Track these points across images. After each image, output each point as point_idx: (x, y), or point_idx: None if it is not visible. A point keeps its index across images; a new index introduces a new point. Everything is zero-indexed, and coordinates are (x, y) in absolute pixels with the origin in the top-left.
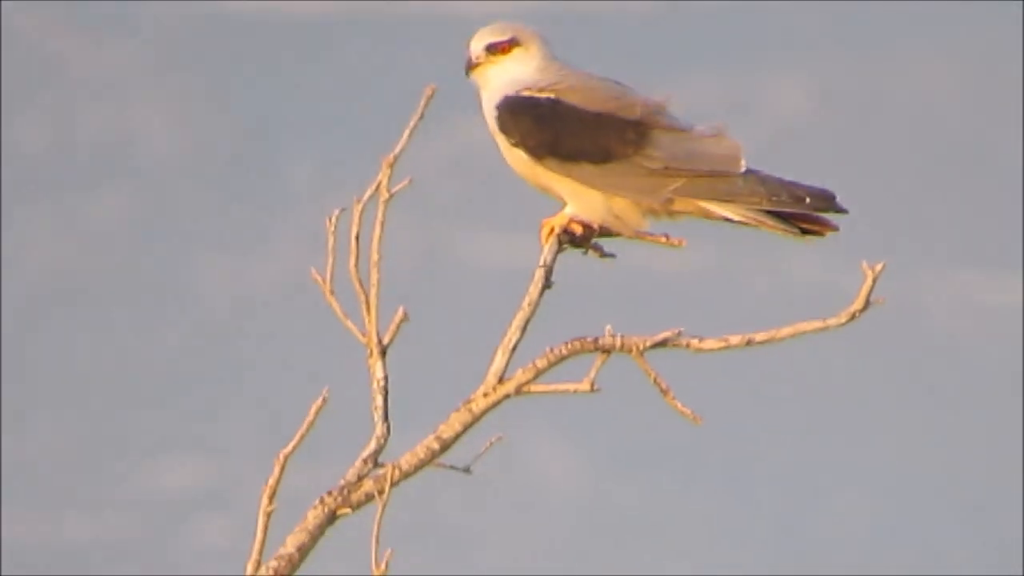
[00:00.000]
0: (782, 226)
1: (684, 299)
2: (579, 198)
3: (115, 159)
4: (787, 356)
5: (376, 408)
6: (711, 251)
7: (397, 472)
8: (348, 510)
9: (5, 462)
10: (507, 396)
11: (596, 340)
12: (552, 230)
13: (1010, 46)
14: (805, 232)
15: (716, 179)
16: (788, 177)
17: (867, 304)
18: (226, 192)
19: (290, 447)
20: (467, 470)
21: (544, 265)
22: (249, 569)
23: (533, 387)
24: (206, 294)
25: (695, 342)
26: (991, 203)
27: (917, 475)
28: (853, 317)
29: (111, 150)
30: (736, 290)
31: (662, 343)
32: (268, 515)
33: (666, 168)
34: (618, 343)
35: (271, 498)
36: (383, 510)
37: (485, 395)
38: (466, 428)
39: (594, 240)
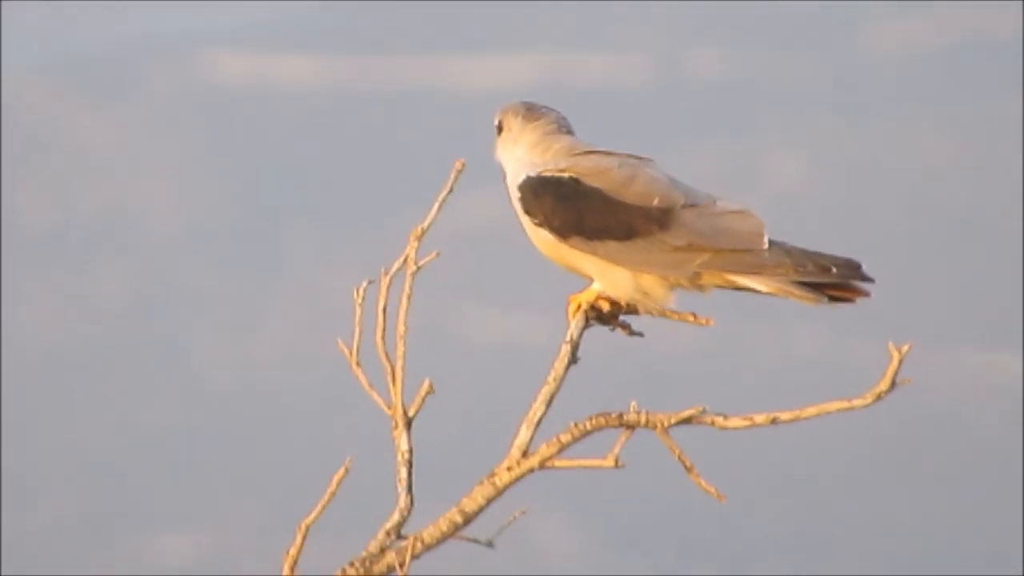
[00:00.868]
0: (811, 295)
1: (707, 375)
2: (606, 275)
3: (116, 232)
4: (799, 431)
5: (400, 480)
6: (721, 326)
7: (419, 545)
8: None
9: (6, 533)
10: (531, 470)
11: (621, 415)
12: (579, 306)
13: (1007, 117)
14: (833, 299)
15: (742, 253)
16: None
17: (893, 385)
18: (228, 264)
19: (312, 516)
20: (490, 544)
21: (570, 340)
22: None
23: (557, 461)
24: (211, 367)
25: (720, 420)
26: (989, 277)
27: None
28: (879, 397)
29: (112, 223)
30: (746, 364)
31: (686, 420)
32: None
33: (690, 244)
34: (643, 419)
35: (292, 567)
36: None
37: (509, 469)
38: (489, 502)
39: (621, 317)
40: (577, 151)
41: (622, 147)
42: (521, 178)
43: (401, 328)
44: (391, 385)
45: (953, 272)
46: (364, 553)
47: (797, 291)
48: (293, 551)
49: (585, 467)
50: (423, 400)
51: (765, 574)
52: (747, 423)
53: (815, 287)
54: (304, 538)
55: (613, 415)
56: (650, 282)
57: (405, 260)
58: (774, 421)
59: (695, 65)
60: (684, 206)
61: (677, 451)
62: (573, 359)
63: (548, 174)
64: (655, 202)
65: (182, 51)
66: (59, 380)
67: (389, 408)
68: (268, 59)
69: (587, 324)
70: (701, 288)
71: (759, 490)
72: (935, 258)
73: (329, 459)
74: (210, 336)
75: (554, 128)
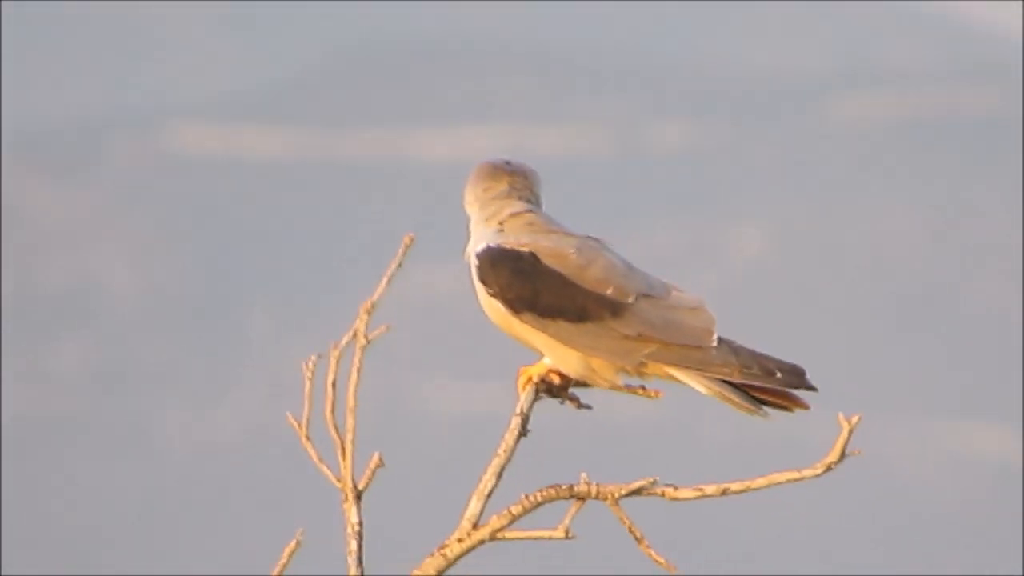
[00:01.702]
0: (748, 404)
1: (657, 446)
2: (555, 352)
3: (76, 306)
4: (756, 501)
5: (350, 552)
6: (671, 399)
7: None
8: None
9: None
10: (482, 542)
11: (571, 487)
12: (530, 379)
13: (966, 191)
14: (773, 407)
15: (690, 348)
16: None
17: (843, 456)
18: (187, 337)
19: None
20: None
21: (521, 413)
22: None
23: (507, 533)
24: (169, 441)
25: (670, 491)
26: (951, 350)
27: None
28: (829, 468)
29: (73, 297)
30: (697, 436)
31: (637, 491)
32: None
33: (640, 335)
34: (593, 490)
35: None
36: None
37: (459, 540)
38: (440, 573)
39: (571, 390)
40: (537, 228)
41: (584, 217)
42: (480, 247)
43: (351, 402)
44: (341, 459)
45: (910, 343)
46: None
47: (735, 398)
48: None
49: (536, 538)
50: (373, 473)
51: None
52: (697, 494)
53: (754, 397)
54: None
55: (564, 487)
56: (598, 362)
57: (355, 334)
58: (724, 492)
59: (656, 137)
60: (639, 296)
61: (628, 522)
62: (523, 431)
63: (508, 247)
64: (609, 291)
65: (145, 122)
66: (19, 452)
67: (339, 481)
68: (231, 131)
69: (537, 397)
70: (644, 377)
71: (711, 560)
72: (894, 329)
73: (283, 530)
74: (170, 410)
75: (504, 192)
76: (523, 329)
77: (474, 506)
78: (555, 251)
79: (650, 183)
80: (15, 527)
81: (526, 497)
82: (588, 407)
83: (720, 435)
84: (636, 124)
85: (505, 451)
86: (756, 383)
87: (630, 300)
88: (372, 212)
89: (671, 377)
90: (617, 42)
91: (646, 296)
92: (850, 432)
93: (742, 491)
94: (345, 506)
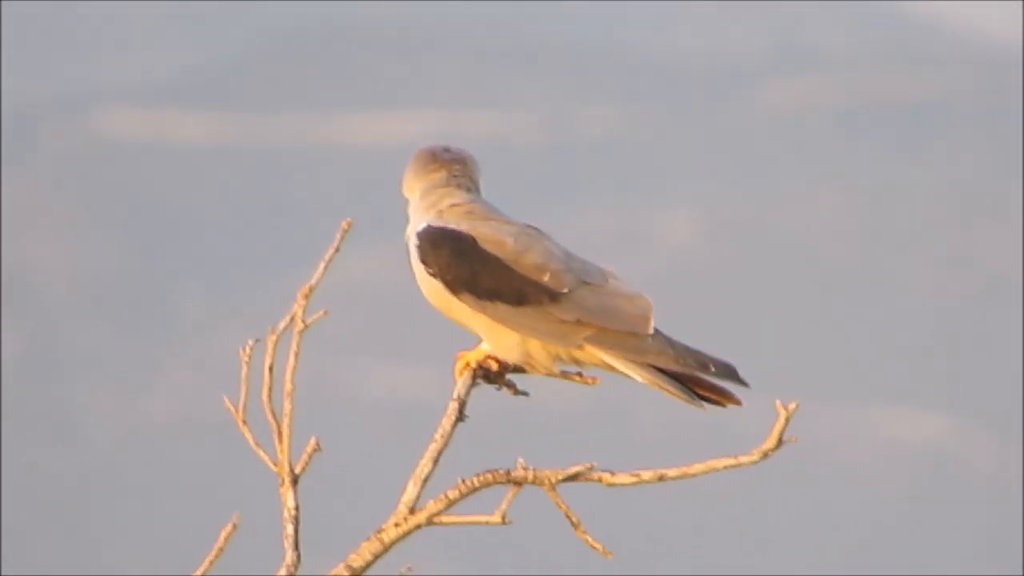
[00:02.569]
0: (683, 394)
1: (594, 433)
2: (493, 335)
3: (8, 291)
4: (695, 488)
5: (287, 536)
6: (608, 385)
7: None
8: None
9: None
10: (418, 526)
11: (508, 472)
12: (467, 364)
13: (898, 176)
14: (705, 400)
15: (626, 335)
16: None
17: (780, 443)
18: (121, 323)
19: (200, 572)
20: None
21: (458, 398)
22: None
23: (444, 518)
24: (100, 424)
25: (607, 476)
26: (884, 336)
27: None
28: (765, 455)
29: (4, 282)
30: (643, 424)
31: (573, 477)
32: None
33: (578, 320)
34: (530, 476)
35: None
36: None
37: (396, 525)
38: (376, 558)
39: (508, 376)
40: (476, 216)
41: (513, 203)
42: (421, 227)
43: (288, 386)
44: (277, 443)
45: (844, 329)
46: None
47: (670, 387)
48: None
49: (472, 523)
50: (310, 457)
51: None
52: (634, 480)
53: (690, 389)
54: None
55: (500, 472)
56: (535, 347)
57: (292, 318)
58: (661, 478)
59: (587, 122)
60: (576, 283)
61: (564, 507)
62: (460, 416)
63: (449, 227)
64: (546, 277)
65: (75, 107)
66: None
67: (275, 465)
68: (162, 115)
69: (474, 382)
70: (581, 365)
71: (647, 545)
72: (826, 315)
73: (219, 515)
74: (102, 394)
75: (443, 180)
76: (461, 311)
77: (411, 491)
78: (494, 237)
79: (579, 168)
80: None
81: (463, 482)
82: (525, 394)
83: (659, 422)
84: (565, 109)
85: (442, 436)
86: (691, 373)
87: (567, 286)
88: (304, 197)
89: (609, 367)
90: (547, 27)
91: (584, 283)
92: (787, 419)
93: (679, 477)
94: (282, 490)
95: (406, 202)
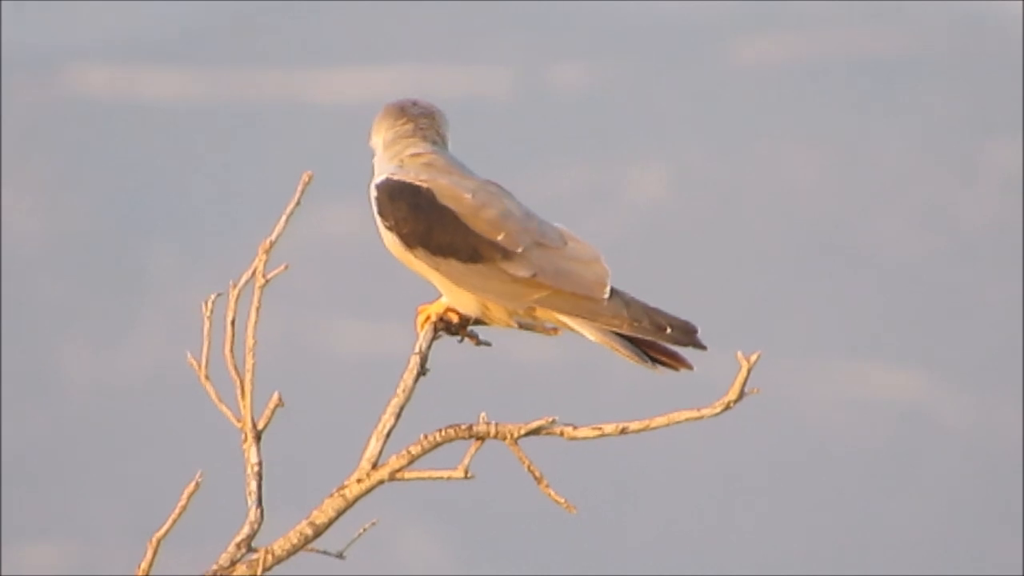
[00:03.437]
0: (636, 356)
1: (558, 388)
2: (450, 290)
3: None
4: (662, 442)
5: (250, 493)
6: (571, 336)
7: (270, 557)
8: None
9: None
10: (381, 482)
11: (470, 427)
12: (428, 317)
13: (872, 133)
14: (658, 363)
15: (581, 298)
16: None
17: (742, 394)
18: (91, 278)
19: (163, 530)
20: (340, 555)
21: (419, 352)
22: None
23: (407, 473)
24: (71, 380)
25: (569, 430)
26: (852, 293)
27: (784, 556)
28: (728, 407)
29: None
30: (608, 377)
31: (536, 431)
32: None
33: (531, 280)
34: (492, 430)
35: None
36: None
37: (359, 481)
38: (340, 514)
39: (469, 328)
40: (437, 168)
41: (484, 159)
42: (380, 179)
43: (250, 341)
44: (240, 399)
45: (817, 286)
46: (215, 566)
47: (623, 349)
48: (144, 565)
49: (435, 478)
50: (272, 413)
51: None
52: (597, 433)
53: (643, 349)
54: (155, 552)
55: (463, 427)
56: (491, 304)
57: (254, 272)
58: (623, 431)
59: (558, 78)
60: (532, 243)
61: (527, 462)
62: (422, 370)
63: (408, 180)
64: (501, 236)
65: (45, 64)
66: None
67: (238, 421)
68: (132, 72)
69: (436, 335)
70: (535, 320)
71: (611, 499)
72: (799, 272)
73: (183, 472)
74: (75, 350)
75: (409, 132)
76: (418, 264)
77: (373, 446)
78: (452, 191)
79: (550, 125)
80: None
81: (425, 437)
82: (487, 344)
83: (626, 376)
84: (536, 65)
85: (404, 391)
86: (644, 336)
87: (521, 247)
88: (275, 152)
89: (562, 324)
90: None
91: (539, 244)
92: (749, 370)
93: (641, 430)
94: (244, 446)
95: (373, 155)
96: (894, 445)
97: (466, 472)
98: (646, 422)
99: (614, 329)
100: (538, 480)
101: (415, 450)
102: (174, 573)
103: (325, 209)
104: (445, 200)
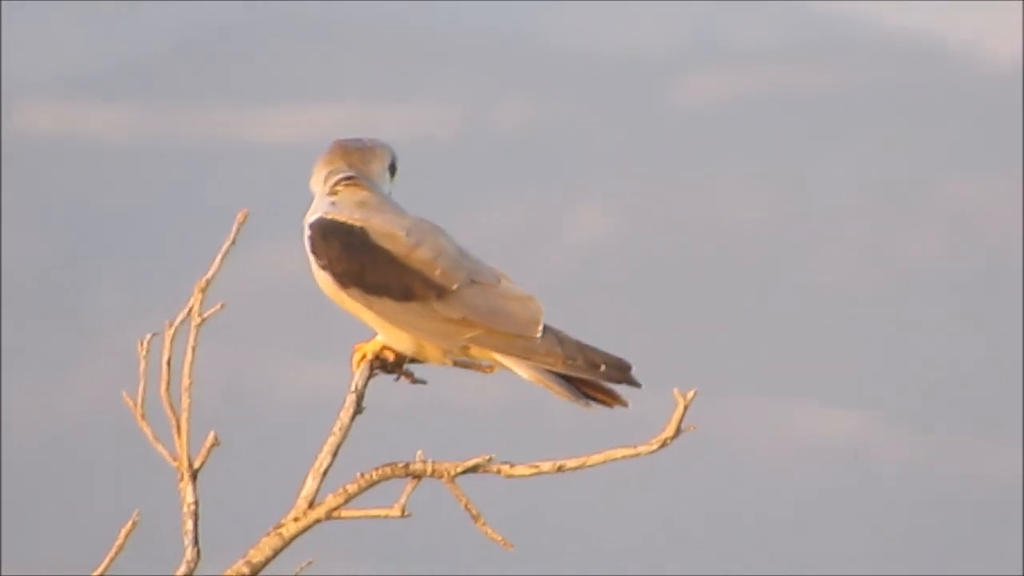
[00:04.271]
0: (569, 394)
1: (495, 426)
2: (385, 329)
3: None
4: (599, 480)
5: (186, 532)
6: (507, 375)
7: None
8: None
9: None
10: (318, 521)
11: (407, 465)
12: (364, 356)
13: (816, 176)
14: (593, 400)
15: (514, 337)
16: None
17: (678, 431)
18: (32, 318)
19: (100, 569)
20: None
21: (355, 390)
22: None
23: (344, 512)
24: (10, 420)
25: (506, 468)
26: (792, 330)
27: None
28: (664, 444)
29: None
30: (546, 415)
31: (473, 469)
32: None
33: (464, 319)
34: (429, 468)
35: None
36: None
37: (296, 520)
38: (276, 553)
39: (405, 366)
40: (370, 207)
41: (428, 197)
42: (313, 218)
43: (186, 381)
44: (176, 438)
45: (756, 324)
46: None
47: (557, 386)
48: None
49: (372, 517)
50: (208, 452)
51: None
52: (534, 471)
53: (578, 387)
54: None
55: (400, 465)
56: (426, 342)
57: (190, 312)
58: (560, 469)
59: (502, 117)
60: (466, 281)
61: (464, 500)
62: (359, 409)
63: (341, 219)
64: (436, 273)
65: None
66: None
67: (175, 460)
68: (75, 110)
69: (372, 374)
70: (471, 358)
71: (548, 537)
72: (738, 310)
73: (120, 512)
74: (16, 390)
75: (344, 169)
76: (352, 303)
77: (310, 485)
78: (386, 230)
79: (494, 163)
80: None
81: (362, 475)
82: (423, 382)
83: (561, 413)
84: (481, 103)
85: (340, 429)
86: (578, 375)
87: (456, 284)
88: (221, 191)
89: (497, 362)
90: (464, 18)
91: (473, 282)
92: (685, 407)
93: (578, 467)
94: (181, 485)
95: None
96: (833, 483)
97: (403, 510)
98: (583, 459)
99: (548, 367)
100: (475, 518)
101: (352, 488)
102: None
103: (267, 247)
104: (379, 239)
